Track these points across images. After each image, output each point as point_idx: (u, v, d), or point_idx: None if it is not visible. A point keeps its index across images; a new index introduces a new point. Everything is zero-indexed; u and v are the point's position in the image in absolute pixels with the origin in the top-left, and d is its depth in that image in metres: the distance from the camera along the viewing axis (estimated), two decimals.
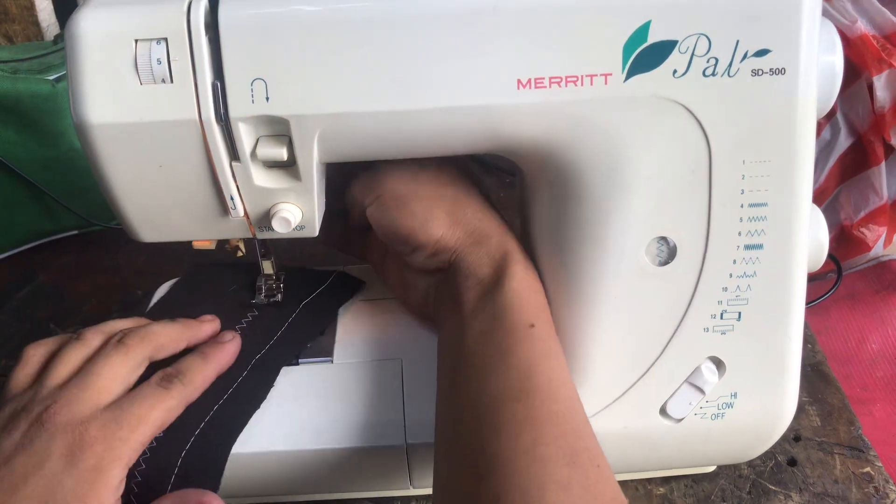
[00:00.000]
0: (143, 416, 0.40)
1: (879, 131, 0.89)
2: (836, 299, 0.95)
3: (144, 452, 0.40)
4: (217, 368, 0.45)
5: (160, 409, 0.41)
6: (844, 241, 1.00)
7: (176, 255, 0.67)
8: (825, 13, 0.88)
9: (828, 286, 0.76)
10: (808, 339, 0.62)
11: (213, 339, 0.47)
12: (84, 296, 0.69)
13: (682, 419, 0.44)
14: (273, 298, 0.52)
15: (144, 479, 0.40)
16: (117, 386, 0.41)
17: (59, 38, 0.71)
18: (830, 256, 0.57)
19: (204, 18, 0.35)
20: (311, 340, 0.50)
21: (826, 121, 0.95)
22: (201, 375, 0.44)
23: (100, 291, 0.69)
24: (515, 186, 0.54)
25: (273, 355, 0.48)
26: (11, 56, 0.66)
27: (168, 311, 0.51)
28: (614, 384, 0.43)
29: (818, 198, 1.00)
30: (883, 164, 0.92)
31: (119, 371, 0.42)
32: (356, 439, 0.44)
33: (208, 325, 0.48)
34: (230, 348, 0.47)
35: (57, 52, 0.68)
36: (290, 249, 0.64)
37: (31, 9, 0.79)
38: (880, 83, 0.84)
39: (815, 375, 0.59)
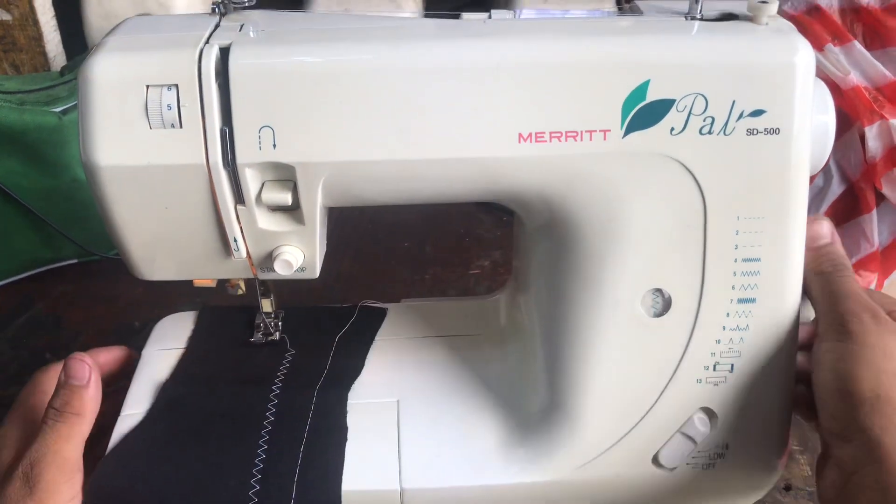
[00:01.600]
0: None
1: (871, 180, 0.90)
2: None
3: None
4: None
5: None
6: None
7: (174, 287, 0.67)
8: (818, 65, 0.91)
9: None
10: None
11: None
12: (81, 325, 0.69)
13: (674, 468, 0.44)
14: (270, 337, 0.52)
15: None
16: None
17: (66, 70, 0.72)
18: None
19: (214, 66, 0.36)
20: (359, 370, 0.51)
21: None
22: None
23: (97, 321, 0.70)
24: (512, 226, 0.55)
25: (330, 388, 0.49)
26: (18, 87, 0.67)
27: (198, 361, 0.51)
28: (608, 432, 0.44)
29: None
30: (874, 211, 0.94)
31: None
32: (349, 482, 0.44)
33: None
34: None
35: (64, 85, 0.69)
36: (288, 284, 0.65)
37: (38, 39, 0.80)
38: (872, 133, 0.85)
39: (806, 424, 0.60)
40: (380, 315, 0.55)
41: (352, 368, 0.51)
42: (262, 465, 0.44)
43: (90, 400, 0.43)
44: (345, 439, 0.46)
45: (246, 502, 0.43)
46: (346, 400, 0.48)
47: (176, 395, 0.48)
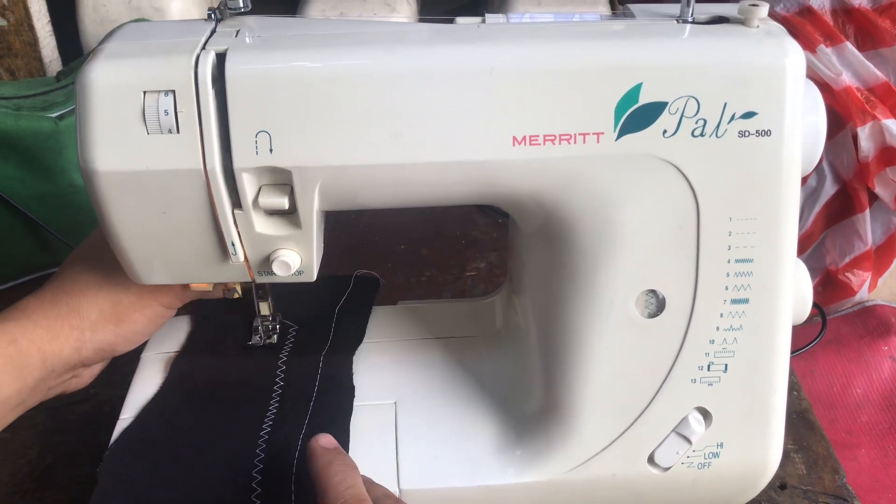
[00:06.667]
0: None
1: (864, 180, 0.91)
2: (821, 343, 0.96)
3: (257, 465, 0.44)
4: None
5: None
6: (830, 286, 1.01)
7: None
8: (811, 66, 0.91)
9: (814, 331, 0.77)
10: (793, 387, 0.63)
11: None
12: None
13: (669, 468, 0.45)
14: (269, 340, 0.53)
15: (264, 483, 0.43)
16: None
17: (62, 75, 0.72)
18: (815, 304, 0.58)
19: (211, 72, 0.36)
20: (361, 337, 0.53)
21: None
22: None
23: None
24: (507, 227, 0.56)
25: (335, 354, 0.51)
26: (14, 92, 0.67)
27: (198, 354, 0.53)
28: (603, 433, 0.44)
29: (804, 242, 1.02)
30: (867, 211, 0.94)
31: None
32: None
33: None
34: None
35: (60, 90, 0.69)
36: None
37: (34, 45, 0.80)
38: (864, 134, 0.86)
39: (800, 423, 0.60)
40: (374, 284, 0.58)
41: (354, 336, 0.53)
42: (271, 420, 0.47)
43: None
44: (352, 396, 0.48)
45: (254, 448, 0.45)
46: (351, 363, 0.50)
47: (186, 368, 0.51)
